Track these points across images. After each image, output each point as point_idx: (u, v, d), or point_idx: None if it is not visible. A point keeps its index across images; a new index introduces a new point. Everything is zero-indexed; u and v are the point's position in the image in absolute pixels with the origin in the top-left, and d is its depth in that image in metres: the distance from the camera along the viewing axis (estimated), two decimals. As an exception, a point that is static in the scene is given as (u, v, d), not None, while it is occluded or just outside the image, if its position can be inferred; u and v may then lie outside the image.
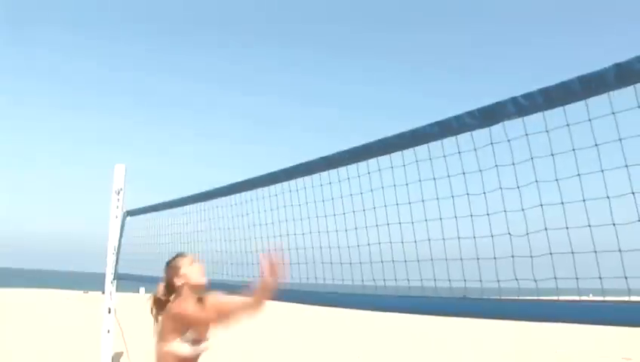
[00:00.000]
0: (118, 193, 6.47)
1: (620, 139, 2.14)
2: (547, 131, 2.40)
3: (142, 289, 32.23)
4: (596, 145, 2.23)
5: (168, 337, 2.82)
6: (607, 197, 2.17)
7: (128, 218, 6.65)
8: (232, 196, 4.52)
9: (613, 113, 2.16)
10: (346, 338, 11.89)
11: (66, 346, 8.90)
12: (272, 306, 3.01)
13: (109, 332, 6.23)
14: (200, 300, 3.00)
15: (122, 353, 6.66)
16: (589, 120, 2.24)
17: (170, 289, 3.01)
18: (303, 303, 3.62)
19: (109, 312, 6.29)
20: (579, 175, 2.26)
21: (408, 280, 2.92)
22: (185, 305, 2.90)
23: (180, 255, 3.12)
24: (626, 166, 2.11)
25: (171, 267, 3.04)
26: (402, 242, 2.95)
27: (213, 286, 4.95)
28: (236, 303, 2.93)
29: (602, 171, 2.19)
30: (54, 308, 18.05)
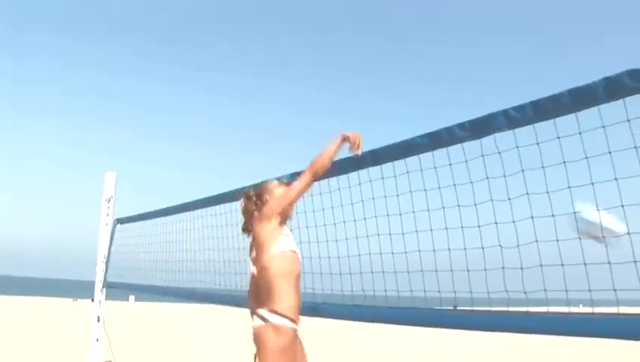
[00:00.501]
0: (109, 201, 6.43)
1: (610, 152, 2.15)
2: (538, 143, 2.41)
3: (131, 298, 32.01)
4: (586, 157, 2.24)
5: (272, 238, 2.91)
6: (598, 209, 2.18)
7: (118, 226, 6.62)
8: (223, 205, 4.51)
9: (603, 126, 2.18)
10: (336, 348, 11.86)
11: (54, 355, 8.81)
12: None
13: (97, 340, 6.17)
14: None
15: (110, 362, 6.59)
16: (580, 133, 2.26)
17: (259, 202, 3.12)
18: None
19: (98, 321, 6.23)
20: (569, 187, 2.27)
21: (398, 291, 2.92)
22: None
23: (269, 180, 3.27)
24: (616, 179, 2.12)
25: (263, 185, 3.18)
26: (392, 253, 2.95)
27: (205, 295, 4.93)
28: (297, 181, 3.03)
29: (592, 184, 2.21)
30: (43, 316, 17.88)
